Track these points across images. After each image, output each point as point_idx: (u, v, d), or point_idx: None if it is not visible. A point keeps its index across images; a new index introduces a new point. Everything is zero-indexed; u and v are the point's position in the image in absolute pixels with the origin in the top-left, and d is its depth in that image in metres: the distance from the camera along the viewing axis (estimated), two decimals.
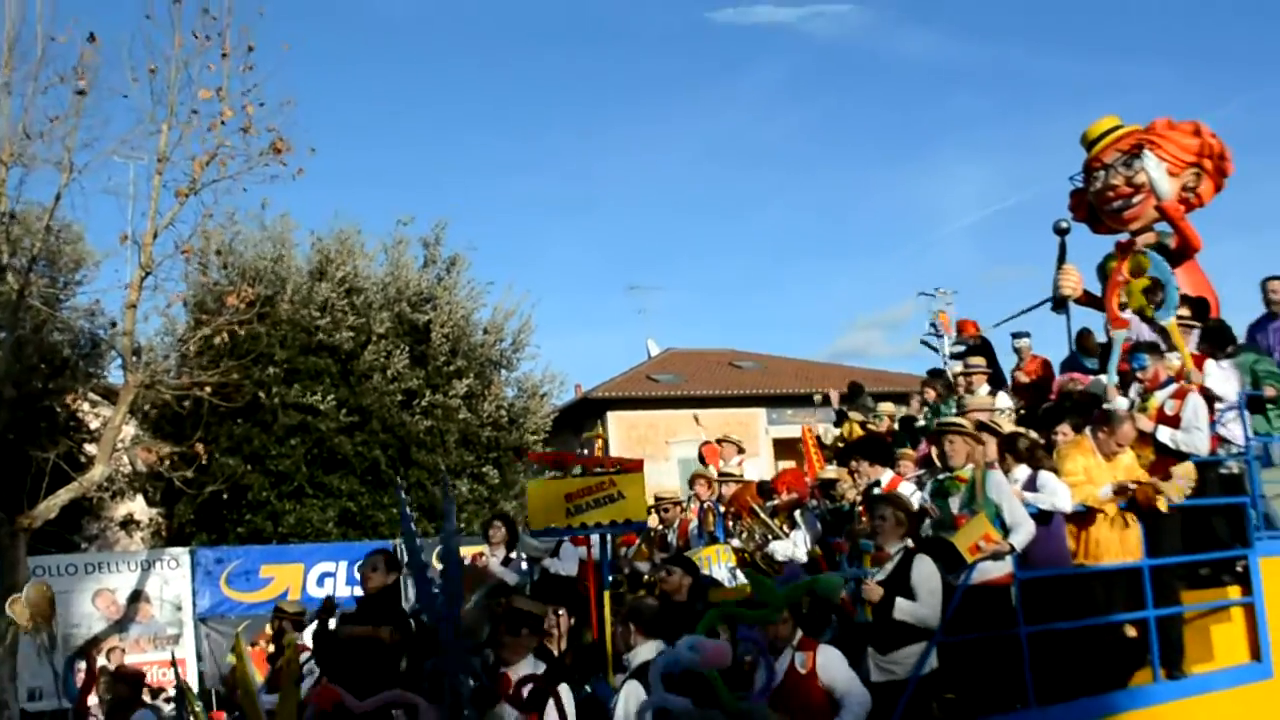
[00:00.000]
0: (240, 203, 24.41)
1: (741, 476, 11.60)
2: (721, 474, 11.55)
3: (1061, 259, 11.92)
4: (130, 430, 20.52)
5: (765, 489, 11.31)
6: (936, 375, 12.87)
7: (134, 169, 15.86)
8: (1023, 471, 8.33)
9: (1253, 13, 71.61)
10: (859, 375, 30.78)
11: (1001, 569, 7.51)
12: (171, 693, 13.31)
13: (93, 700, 10.83)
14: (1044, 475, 8.17)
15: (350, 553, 18.91)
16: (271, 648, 12.28)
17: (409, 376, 23.64)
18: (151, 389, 16.88)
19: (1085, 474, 8.42)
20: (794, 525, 10.15)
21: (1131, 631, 8.44)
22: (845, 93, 72.81)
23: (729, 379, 35.48)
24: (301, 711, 6.28)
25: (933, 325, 14.07)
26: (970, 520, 7.43)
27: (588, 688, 7.31)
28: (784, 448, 28.68)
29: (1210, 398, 9.30)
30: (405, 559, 7.60)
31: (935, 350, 13.96)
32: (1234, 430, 9.62)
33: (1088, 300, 11.71)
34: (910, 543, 7.43)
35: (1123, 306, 10.46)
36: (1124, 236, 11.64)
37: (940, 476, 8.15)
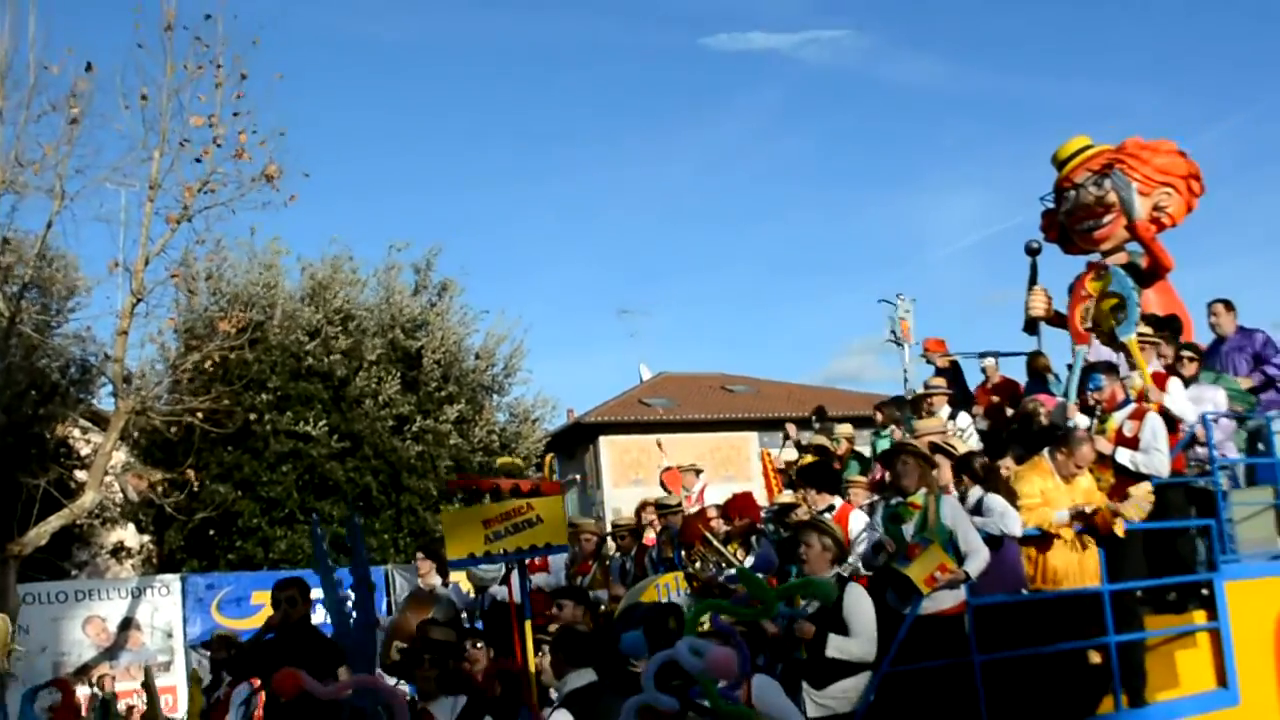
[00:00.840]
0: (230, 229, 24.39)
1: (678, 506, 11.39)
2: (660, 506, 11.26)
3: (1033, 280, 11.74)
4: (121, 457, 20.47)
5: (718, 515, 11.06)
6: (891, 401, 12.78)
7: (125, 196, 15.92)
8: (977, 494, 8.08)
9: (1245, 34, 72.15)
10: (851, 399, 30.85)
11: (954, 598, 7.29)
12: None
13: None
14: (990, 498, 7.93)
15: (343, 579, 18.82)
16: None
17: (400, 402, 23.62)
18: (142, 415, 16.88)
19: (1042, 497, 8.14)
20: (748, 551, 9.82)
21: (1096, 658, 8.18)
22: (839, 117, 73.22)
23: (721, 403, 35.52)
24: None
25: (893, 333, 14.04)
26: (925, 550, 7.17)
27: None
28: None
29: (1170, 418, 9.00)
30: (324, 591, 7.43)
31: (899, 344, 13.91)
32: (1229, 449, 9.48)
33: (1058, 321, 11.45)
34: (841, 571, 7.25)
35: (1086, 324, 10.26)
36: (1095, 257, 11.47)
37: (893, 501, 7.91)
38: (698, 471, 13.45)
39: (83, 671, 16.87)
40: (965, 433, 10.87)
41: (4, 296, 15.74)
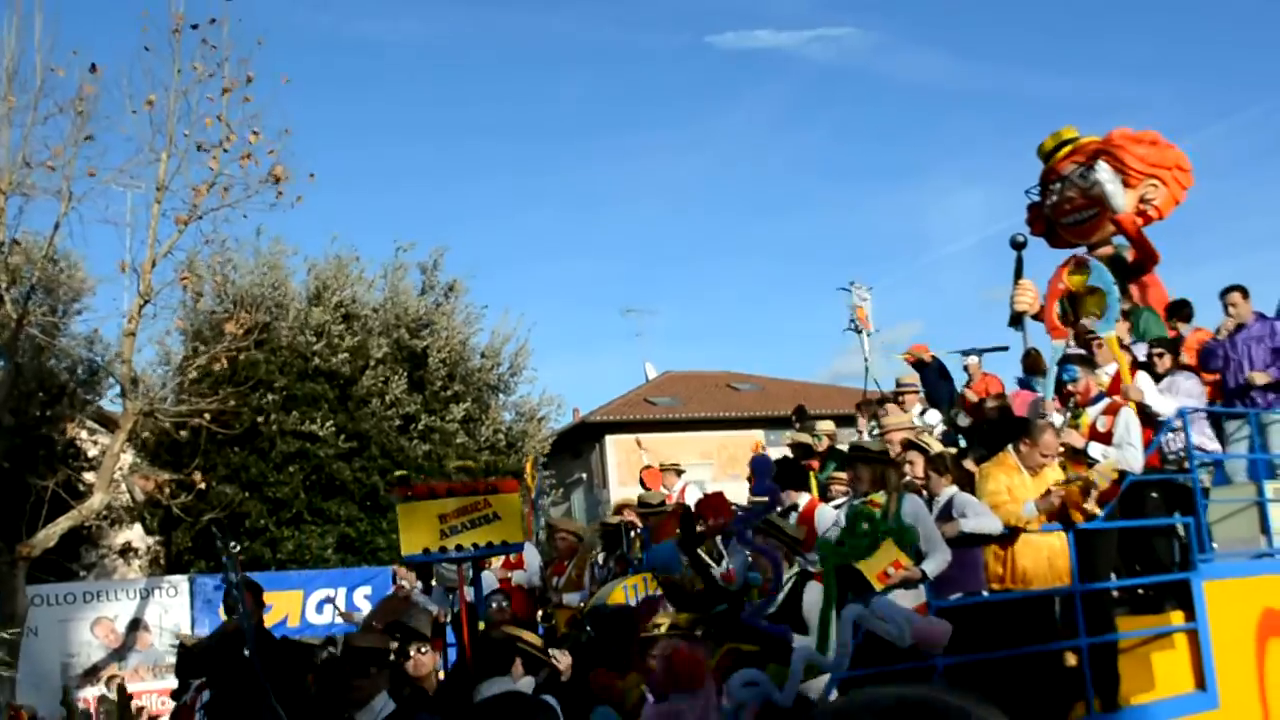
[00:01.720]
0: (236, 230, 24.49)
1: (661, 505, 11.29)
2: (642, 504, 11.16)
3: (1018, 274, 11.23)
4: (128, 458, 20.53)
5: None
6: (873, 401, 12.74)
7: (132, 198, 15.96)
8: (949, 493, 7.92)
9: (1254, 29, 71.96)
10: (857, 396, 30.79)
11: (914, 598, 7.08)
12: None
13: None
14: (961, 497, 7.77)
15: (349, 579, 18.88)
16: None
17: (407, 402, 23.67)
18: (150, 417, 16.92)
19: (1008, 493, 7.86)
20: (722, 553, 9.75)
21: (1072, 660, 7.94)
22: (845, 115, 73.11)
23: (727, 401, 35.50)
24: None
25: (852, 321, 13.93)
26: (881, 546, 6.90)
27: None
28: None
29: (1148, 414, 8.85)
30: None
31: (858, 332, 13.79)
32: (1211, 442, 9.37)
33: (1044, 315, 11.17)
34: (798, 569, 7.15)
35: (1064, 318, 10.12)
36: (1082, 250, 11.26)
37: (856, 501, 7.80)
38: (679, 472, 13.37)
39: (92, 673, 16.91)
40: (934, 429, 10.83)
41: (12, 298, 15.77)
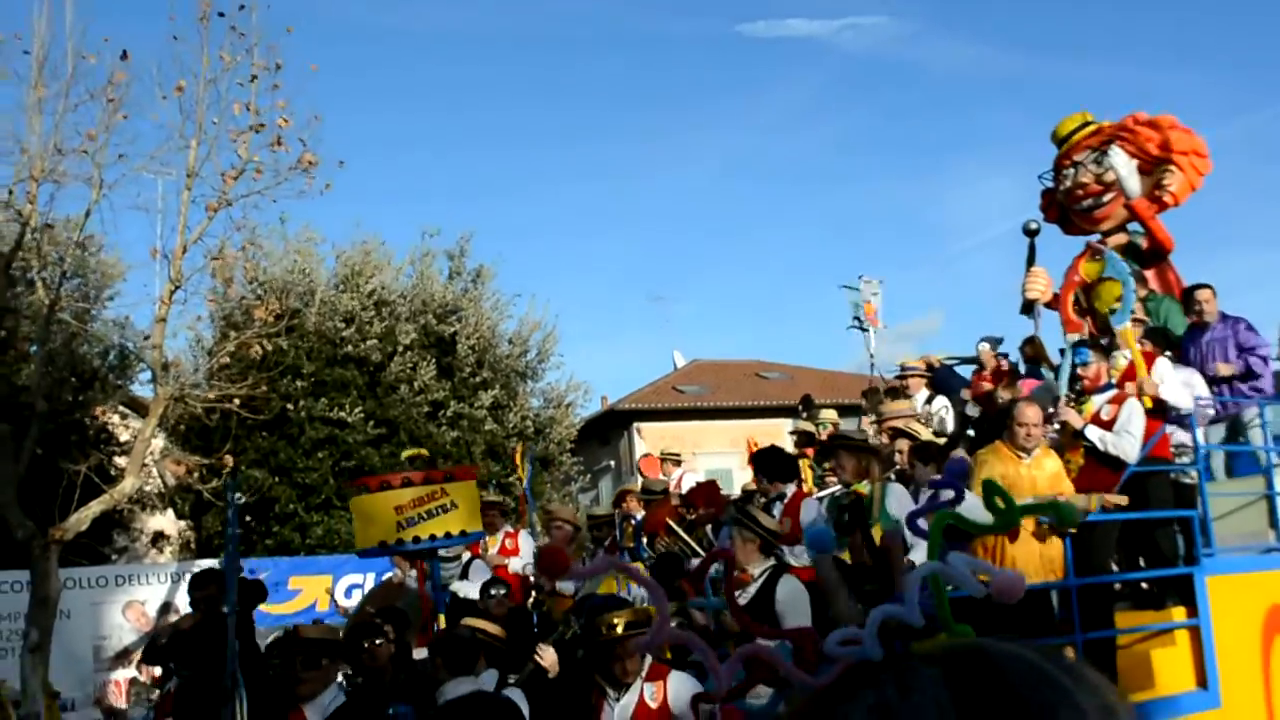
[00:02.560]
0: (265, 217, 24.62)
1: (664, 492, 11.15)
2: (645, 491, 11.06)
3: (1031, 261, 11.04)
4: (159, 443, 20.67)
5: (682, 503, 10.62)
6: (877, 390, 12.59)
7: (163, 184, 16.02)
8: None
9: None
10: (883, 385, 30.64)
11: None
12: None
13: None
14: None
15: (378, 565, 18.94)
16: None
17: (435, 388, 23.76)
18: (180, 402, 17.01)
19: (1003, 481, 7.19)
20: (713, 541, 9.39)
21: (1070, 655, 7.82)
22: (876, 104, 72.65)
23: (755, 390, 35.44)
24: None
25: (857, 319, 13.68)
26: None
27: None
28: None
29: (1163, 406, 8.61)
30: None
31: (863, 329, 13.58)
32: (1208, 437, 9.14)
33: (1058, 304, 10.89)
34: (772, 561, 6.93)
35: (1081, 310, 9.90)
36: (1095, 237, 11.03)
37: (836, 493, 7.65)
38: (678, 461, 13.24)
39: (123, 655, 17.05)
40: (935, 416, 10.69)
41: (44, 284, 15.87)
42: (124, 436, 22.51)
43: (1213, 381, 9.64)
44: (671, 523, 9.57)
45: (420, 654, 8.21)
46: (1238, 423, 9.83)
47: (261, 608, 18.30)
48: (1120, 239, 10.93)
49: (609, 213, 72.20)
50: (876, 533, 6.95)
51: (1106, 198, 10.88)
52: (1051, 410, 8.49)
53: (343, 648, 6.55)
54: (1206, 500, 8.67)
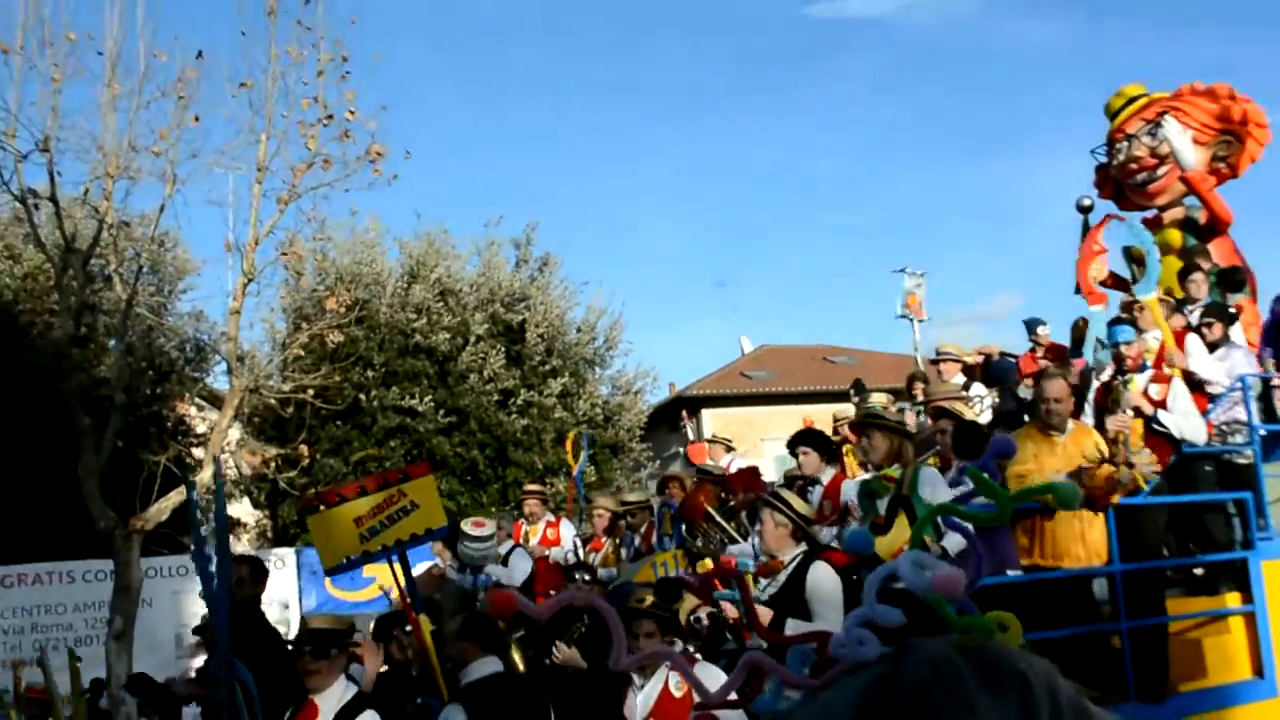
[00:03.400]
0: (331, 209, 24.92)
1: (722, 478, 10.90)
2: (701, 472, 10.73)
3: (1084, 238, 10.55)
4: (235, 434, 21.02)
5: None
6: (914, 375, 12.42)
7: (233, 179, 16.26)
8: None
9: None
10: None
11: None
12: None
13: None
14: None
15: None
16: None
17: (505, 376, 23.90)
18: (255, 393, 17.27)
19: (1035, 461, 7.15)
20: (749, 530, 8.97)
21: (1117, 643, 7.32)
22: (943, 83, 71.93)
23: (823, 374, 35.26)
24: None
25: (904, 308, 13.50)
26: (894, 525, 6.37)
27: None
28: None
29: (1195, 382, 8.26)
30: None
31: (910, 320, 13.41)
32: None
33: (1114, 283, 10.63)
34: (805, 547, 6.64)
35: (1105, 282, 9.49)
36: (1151, 213, 10.78)
37: (867, 476, 7.34)
38: (729, 447, 13.02)
39: (203, 643, 17.35)
40: (974, 403, 10.48)
41: (121, 279, 16.18)
42: (201, 428, 22.90)
43: None
44: (710, 509, 9.45)
45: None
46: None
47: (336, 595, 18.74)
48: (1177, 213, 10.64)
49: (675, 199, 72.15)
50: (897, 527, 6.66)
51: (1161, 171, 10.54)
52: (1102, 384, 8.21)
53: (349, 638, 6.49)
54: (1263, 481, 8.24)
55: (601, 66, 70.18)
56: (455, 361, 23.69)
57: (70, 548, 17.07)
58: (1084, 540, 7.10)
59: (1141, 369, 8.14)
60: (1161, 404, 7.90)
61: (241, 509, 24.85)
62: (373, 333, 22.76)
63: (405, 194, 63.65)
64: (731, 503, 9.36)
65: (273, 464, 19.15)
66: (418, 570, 9.31)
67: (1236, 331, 9.22)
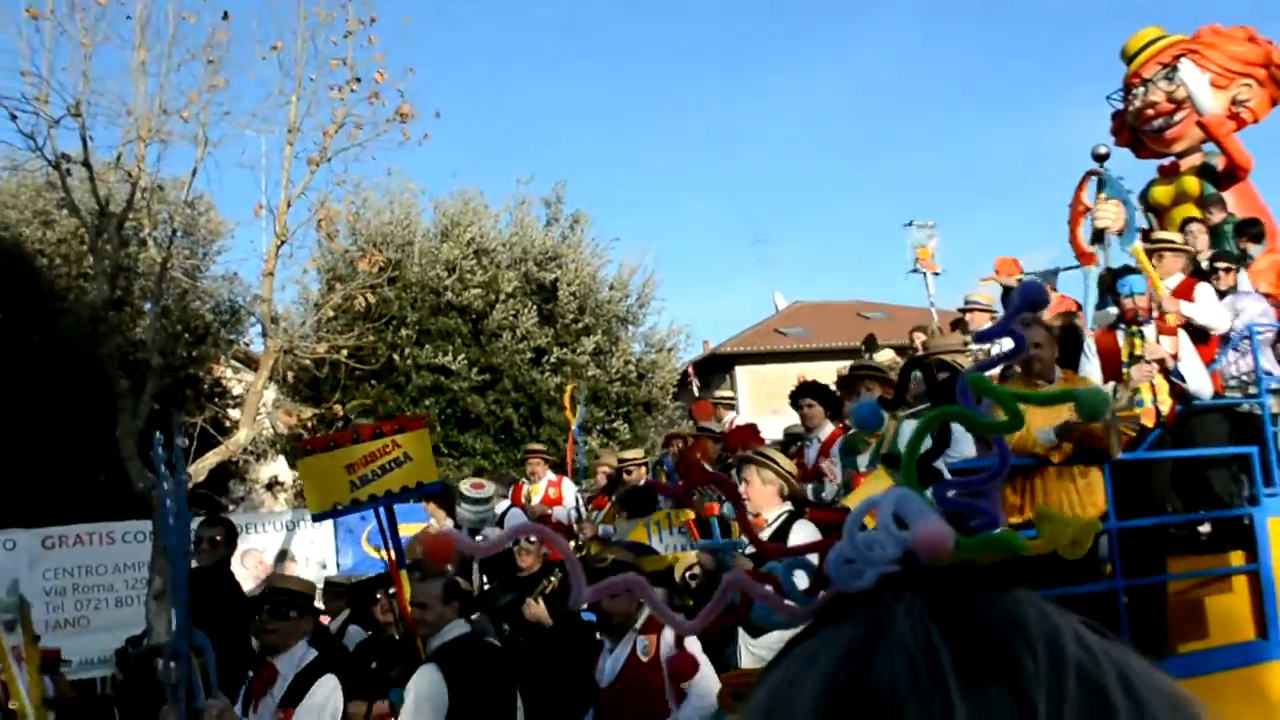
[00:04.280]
0: (362, 169, 24.94)
1: (722, 435, 10.52)
2: (700, 430, 10.69)
3: (1100, 188, 9.90)
4: (271, 395, 21.14)
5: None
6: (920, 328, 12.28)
7: (265, 141, 16.27)
8: None
9: None
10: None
11: None
12: None
13: None
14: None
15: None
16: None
17: (538, 335, 23.92)
18: (290, 354, 17.35)
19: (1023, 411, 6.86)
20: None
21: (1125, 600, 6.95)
22: (984, 37, 71.05)
23: (857, 329, 35.02)
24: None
25: (916, 262, 13.22)
26: (868, 479, 5.89)
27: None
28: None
29: (1198, 330, 7.94)
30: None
31: (921, 274, 13.16)
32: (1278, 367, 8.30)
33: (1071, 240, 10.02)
34: (789, 506, 6.51)
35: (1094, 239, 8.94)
36: (1169, 160, 10.43)
37: (851, 430, 6.96)
38: (731, 405, 12.92)
39: None
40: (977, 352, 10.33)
41: (155, 242, 16.25)
42: (237, 390, 23.06)
43: None
44: (707, 466, 9.27)
45: None
46: None
47: (372, 553, 18.88)
48: (1195, 160, 10.27)
49: (707, 157, 71.79)
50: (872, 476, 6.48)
51: (1178, 116, 10.18)
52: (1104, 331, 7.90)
53: (311, 601, 6.34)
54: (1271, 434, 7.91)
55: (629, 27, 69.74)
56: (487, 319, 23.72)
57: (110, 509, 17.23)
58: (1078, 496, 6.78)
59: (1147, 321, 7.83)
60: (1173, 357, 7.65)
61: (279, 467, 25.04)
62: (405, 292, 22.81)
63: (441, 154, 63.87)
64: (730, 460, 9.18)
65: (309, 424, 19.27)
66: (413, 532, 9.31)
67: (1244, 279, 9.00)
